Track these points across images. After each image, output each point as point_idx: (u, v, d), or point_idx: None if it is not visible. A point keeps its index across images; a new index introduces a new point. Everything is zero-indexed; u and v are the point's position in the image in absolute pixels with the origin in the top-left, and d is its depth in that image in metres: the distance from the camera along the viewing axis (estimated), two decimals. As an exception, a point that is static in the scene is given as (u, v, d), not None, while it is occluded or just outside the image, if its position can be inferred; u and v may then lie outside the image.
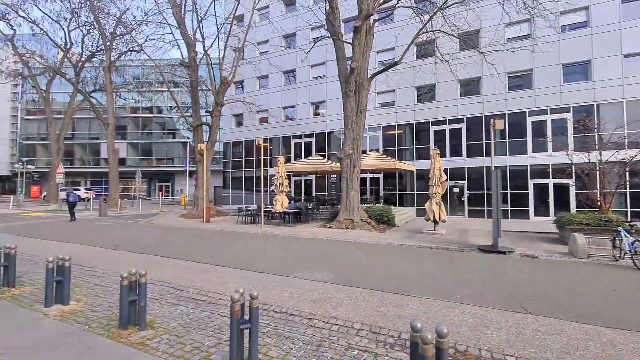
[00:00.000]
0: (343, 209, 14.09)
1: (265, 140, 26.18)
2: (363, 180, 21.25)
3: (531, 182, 17.74)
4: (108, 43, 25.03)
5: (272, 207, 15.68)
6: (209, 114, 20.23)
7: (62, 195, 34.62)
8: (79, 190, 34.99)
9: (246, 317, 2.98)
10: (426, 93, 20.97)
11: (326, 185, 23.61)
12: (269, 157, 25.97)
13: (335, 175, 23.04)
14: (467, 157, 19.20)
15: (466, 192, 19.15)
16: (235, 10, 18.66)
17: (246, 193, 26.84)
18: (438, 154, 12.31)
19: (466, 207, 19.15)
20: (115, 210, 21.23)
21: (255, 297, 2.91)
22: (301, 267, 6.73)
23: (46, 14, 29.44)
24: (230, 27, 17.87)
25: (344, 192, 14.16)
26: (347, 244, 10.08)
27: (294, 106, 25.26)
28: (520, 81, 18.69)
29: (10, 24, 27.78)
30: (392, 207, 16.11)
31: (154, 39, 28.31)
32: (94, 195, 32.93)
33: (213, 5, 17.46)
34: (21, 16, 27.30)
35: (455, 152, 19.55)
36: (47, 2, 29.86)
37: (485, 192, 18.47)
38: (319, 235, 11.50)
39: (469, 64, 17.46)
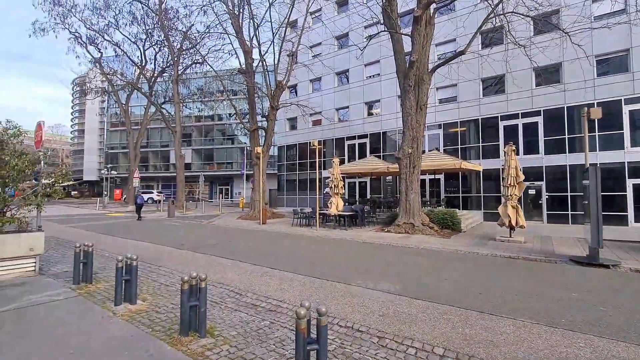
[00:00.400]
0: (402, 212, 13.22)
1: (318, 143, 26.16)
2: (422, 182, 19.89)
3: (630, 182, 14.98)
4: (175, 58, 27.17)
5: (326, 210, 15.38)
6: (264, 119, 20.76)
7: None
8: (153, 192, 38.61)
9: (312, 334, 2.56)
10: (492, 86, 19.04)
11: (381, 187, 22.71)
12: (322, 159, 25.86)
13: (391, 177, 22.08)
14: (544, 154, 16.93)
15: (544, 194, 16.88)
16: (290, 14, 18.91)
17: (300, 195, 27.04)
18: (513, 150, 10.88)
19: (545, 211, 16.87)
20: (181, 212, 22.80)
21: (324, 313, 2.48)
22: (363, 275, 6.20)
23: (126, 37, 33.24)
24: (285, 31, 18.07)
25: (403, 194, 13.29)
26: (409, 250, 9.29)
27: (347, 107, 24.83)
28: (611, 64, 15.98)
29: (98, 48, 31.83)
30: (457, 210, 14.75)
31: (215, 50, 30.32)
32: (164, 198, 36.21)
33: (269, 12, 17.73)
34: (107, 40, 31.11)
35: (531, 149, 17.36)
36: (126, 26, 33.83)
37: (568, 193, 16.09)
38: (378, 240, 10.84)
39: (548, 48, 15.35)
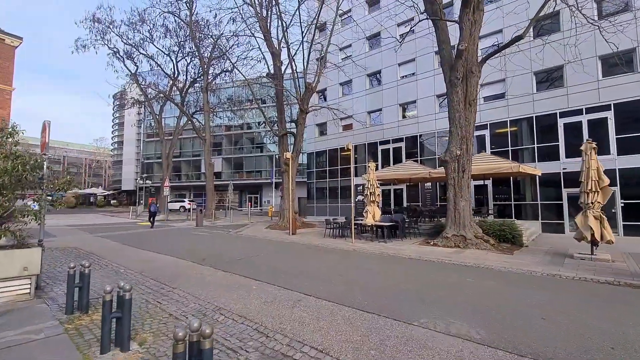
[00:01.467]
0: (450, 222, 11.52)
1: (349, 149, 24.89)
2: (433, 187, 17.92)
3: None
4: (205, 67, 27.25)
5: (362, 220, 13.97)
6: (293, 124, 19.87)
7: (174, 206, 39.32)
8: (184, 201, 39.01)
9: None
10: (545, 81, 16.85)
11: (420, 194, 20.88)
12: (353, 165, 24.49)
13: (430, 184, 20.26)
14: (618, 154, 14.49)
15: (619, 202, 14.38)
16: (320, 12, 18.00)
17: (330, 204, 25.75)
18: (594, 148, 8.96)
19: (620, 222, 14.35)
20: (210, 221, 22.30)
21: None
22: (425, 308, 4.77)
23: (160, 49, 34.16)
24: (314, 31, 17.13)
25: (451, 202, 11.60)
26: (467, 269, 7.66)
27: (380, 109, 23.39)
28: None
29: (134, 62, 32.89)
30: (516, 221, 12.76)
31: (244, 58, 30.19)
32: (194, 206, 36.44)
33: (297, 12, 16.88)
34: (142, 53, 32.06)
35: (599, 149, 14.93)
36: (160, 39, 34.83)
37: None
38: (425, 255, 9.27)
39: (619, 31, 13.14)
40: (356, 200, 23.38)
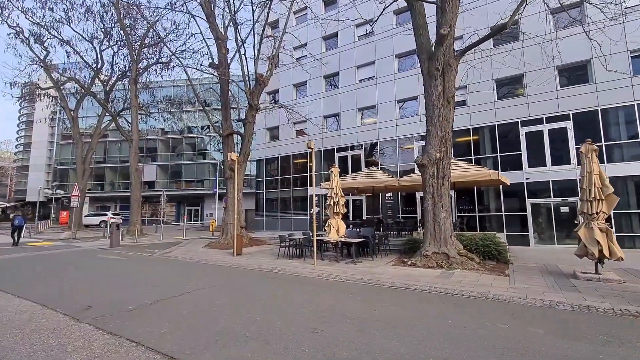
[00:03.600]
0: (430, 238, 9.73)
1: (303, 156, 22.65)
2: (419, 198, 16.71)
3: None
4: (135, 55, 23.16)
5: (324, 235, 11.62)
6: (241, 123, 17.06)
7: (93, 220, 32.89)
8: (106, 214, 32.95)
9: None
10: (508, 85, 16.56)
11: (380, 206, 19.26)
12: (307, 174, 22.25)
13: (391, 194, 18.77)
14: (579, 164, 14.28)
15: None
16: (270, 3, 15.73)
17: (282, 217, 23.03)
18: (595, 150, 7.80)
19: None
20: (132, 238, 18.10)
21: None
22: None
23: (79, 33, 28.87)
24: (269, 11, 14.74)
25: (429, 213, 9.85)
26: (477, 304, 5.70)
27: (338, 114, 21.65)
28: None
29: (44, 46, 27.13)
30: (497, 234, 11.47)
31: (183, 51, 26.31)
32: (121, 221, 30.77)
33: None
34: (54, 36, 26.58)
35: (559, 160, 14.71)
36: (80, 22, 29.48)
37: (637, 210, 13.32)
38: (413, 283, 7.18)
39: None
40: (311, 212, 21.05)
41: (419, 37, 10.29)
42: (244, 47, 14.58)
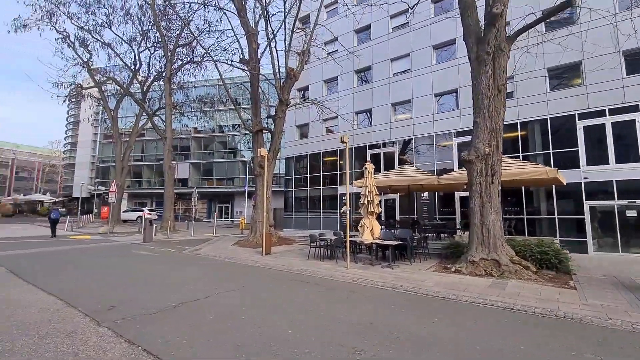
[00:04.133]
0: (477, 242, 8.73)
1: (333, 154, 22.03)
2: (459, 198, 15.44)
3: None
4: (169, 54, 23.66)
5: (356, 236, 10.91)
6: (271, 120, 16.71)
7: (131, 215, 34.35)
8: (143, 210, 34.20)
9: None
10: (562, 74, 14.90)
11: (415, 206, 18.17)
12: (338, 172, 21.58)
13: (427, 194, 17.64)
14: (650, 162, 12.49)
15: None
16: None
17: (311, 216, 22.54)
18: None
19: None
20: (165, 234, 18.37)
21: None
22: None
23: (118, 36, 30.14)
24: (300, 2, 14.22)
25: (476, 215, 8.84)
26: (540, 322, 4.76)
27: (370, 110, 20.78)
28: None
29: (88, 49, 28.55)
30: (555, 240, 10.19)
31: (216, 49, 26.47)
32: (156, 217, 31.81)
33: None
34: (96, 39, 27.85)
35: (624, 157, 12.94)
36: (120, 25, 30.70)
37: None
38: (462, 294, 6.30)
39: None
40: (341, 212, 20.39)
41: (466, 18, 9.28)
42: (275, 40, 14.17)
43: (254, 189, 22.36)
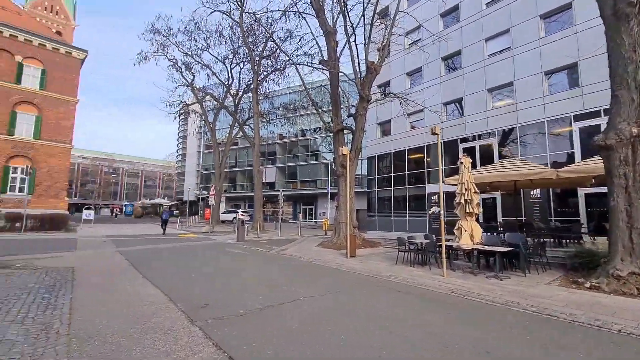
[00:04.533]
0: (622, 251, 6.72)
1: (419, 150, 20.47)
2: (583, 195, 12.35)
3: None
4: (256, 67, 25.43)
5: (453, 240, 9.62)
6: (351, 119, 16.31)
7: (228, 217, 38.28)
8: (237, 212, 37.61)
9: None
10: None
11: (522, 205, 15.52)
12: (425, 170, 19.95)
13: (538, 191, 14.88)
14: None
15: None
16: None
17: (396, 217, 21.35)
18: None
19: None
20: (255, 234, 19.57)
21: None
22: None
23: (214, 57, 33.80)
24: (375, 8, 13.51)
25: (619, 215, 6.82)
26: None
27: (461, 99, 18.68)
28: None
29: (191, 71, 32.82)
30: None
31: (297, 56, 27.64)
32: (248, 218, 34.65)
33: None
34: (198, 62, 31.78)
35: None
36: (215, 47, 34.51)
37: None
38: (604, 318, 4.75)
39: None
40: (430, 212, 18.77)
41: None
42: (354, 34, 13.72)
43: (336, 190, 22.31)
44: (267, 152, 43.07)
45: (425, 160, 19.92)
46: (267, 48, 26.85)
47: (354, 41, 13.84)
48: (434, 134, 8.12)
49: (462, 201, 9.36)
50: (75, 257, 9.98)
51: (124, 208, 59.96)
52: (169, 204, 57.99)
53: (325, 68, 15.25)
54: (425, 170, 19.82)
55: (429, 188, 19.32)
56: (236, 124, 31.81)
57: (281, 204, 23.58)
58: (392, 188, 21.84)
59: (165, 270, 8.36)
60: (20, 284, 6.41)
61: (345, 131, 16.01)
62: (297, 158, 42.25)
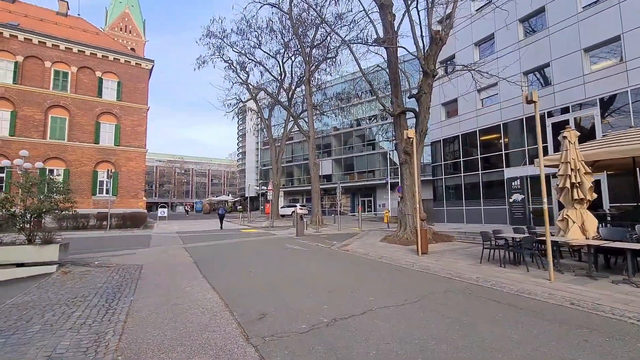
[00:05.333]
0: None
1: (494, 130, 17.90)
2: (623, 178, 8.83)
3: None
4: (307, 57, 24.80)
5: (556, 235, 7.75)
6: (412, 100, 14.67)
7: (286, 211, 38.91)
8: (296, 206, 37.92)
9: None
10: None
11: (636, 188, 12.44)
12: (503, 152, 17.39)
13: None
14: None
15: None
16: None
17: (468, 207, 19.11)
18: None
19: None
20: (315, 228, 19.06)
21: None
22: None
23: (267, 53, 34.10)
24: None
25: None
26: None
27: (547, 65, 15.76)
28: None
29: (245, 70, 33.57)
30: None
31: (350, 41, 26.41)
32: (307, 211, 34.68)
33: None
34: (251, 60, 32.34)
35: None
36: (267, 43, 34.76)
37: None
38: None
39: None
40: (511, 200, 16.34)
41: None
42: (416, 0, 12.07)
43: (396, 181, 20.73)
44: (322, 145, 42.62)
45: (502, 140, 17.35)
46: (317, 37, 26.05)
47: (416, 6, 12.18)
48: (530, 102, 6.39)
49: (568, 185, 7.44)
50: (146, 254, 10.33)
51: (195, 205, 65.09)
52: (232, 200, 61.28)
53: (382, 45, 13.84)
54: (503, 152, 17.26)
55: (509, 172, 16.78)
56: (290, 118, 31.80)
57: (339, 196, 22.77)
58: (462, 174, 19.57)
59: (224, 268, 8.05)
60: (91, 283, 6.50)
61: (407, 115, 14.45)
62: (353, 149, 41.05)
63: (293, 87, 32.21)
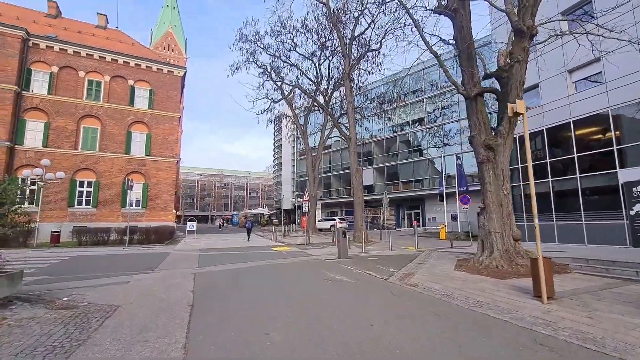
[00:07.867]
0: None
1: (596, 121, 13.58)
2: None
3: None
4: (347, 49, 22.03)
5: None
6: (489, 80, 11.06)
7: (324, 225, 35.82)
8: (335, 219, 34.62)
9: None
10: None
11: None
12: (614, 147, 12.96)
13: None
14: None
15: None
16: None
17: (561, 221, 14.65)
18: None
19: None
20: (360, 246, 15.65)
21: None
22: None
23: (301, 54, 31.99)
24: None
25: None
26: None
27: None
28: None
29: (280, 75, 31.65)
30: None
31: (392, 30, 23.27)
32: (346, 225, 31.27)
33: None
34: (286, 62, 30.38)
35: None
36: (302, 45, 32.66)
37: None
38: None
39: None
40: (632, 213, 11.86)
41: None
42: None
43: (452, 190, 16.98)
44: (362, 153, 39.21)
45: (613, 134, 12.95)
46: (360, 23, 23.24)
47: None
48: None
49: None
50: (138, 285, 7.70)
51: (232, 218, 64.34)
52: (269, 212, 59.48)
53: (445, 12, 10.54)
54: (615, 147, 12.83)
55: (626, 175, 12.30)
56: (328, 123, 29.07)
57: (385, 208, 19.25)
58: (550, 180, 15.20)
59: (229, 319, 5.04)
60: (10, 345, 3.81)
61: (485, 97, 10.78)
62: (397, 156, 37.15)
63: (331, 90, 29.68)
